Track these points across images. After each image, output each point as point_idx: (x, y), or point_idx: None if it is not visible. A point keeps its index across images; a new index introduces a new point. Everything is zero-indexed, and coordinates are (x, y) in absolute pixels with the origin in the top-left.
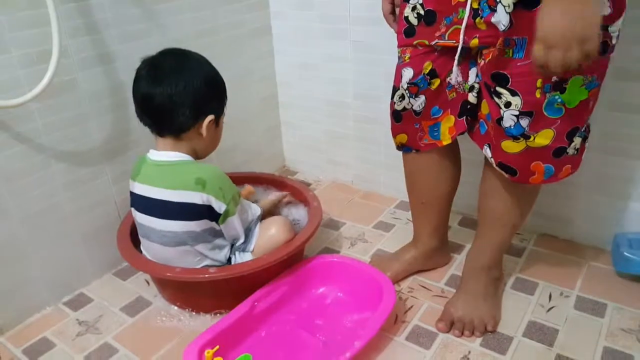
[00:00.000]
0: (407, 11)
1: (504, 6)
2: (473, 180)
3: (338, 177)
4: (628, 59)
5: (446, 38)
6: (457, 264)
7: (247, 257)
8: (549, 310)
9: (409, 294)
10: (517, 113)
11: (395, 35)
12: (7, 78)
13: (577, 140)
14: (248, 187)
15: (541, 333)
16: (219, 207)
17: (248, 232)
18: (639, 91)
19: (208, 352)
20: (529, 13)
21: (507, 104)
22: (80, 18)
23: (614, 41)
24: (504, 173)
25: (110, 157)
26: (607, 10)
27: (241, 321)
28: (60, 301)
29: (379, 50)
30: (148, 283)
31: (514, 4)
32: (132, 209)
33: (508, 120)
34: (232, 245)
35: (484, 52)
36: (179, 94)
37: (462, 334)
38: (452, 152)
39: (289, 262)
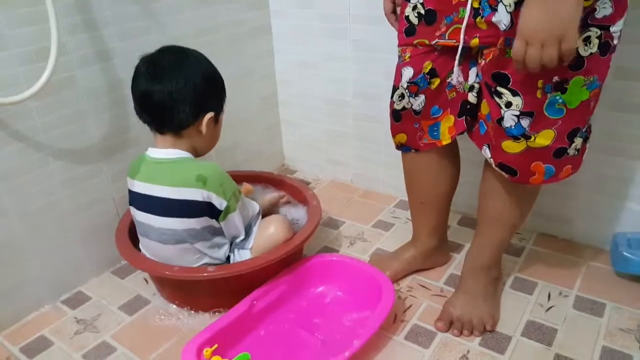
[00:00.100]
0: (408, 10)
1: (505, 5)
2: (473, 180)
3: (337, 176)
4: (628, 59)
5: (446, 37)
6: (456, 264)
7: (246, 255)
8: (547, 309)
9: (408, 293)
10: (517, 113)
11: (396, 34)
12: (5, 75)
13: (578, 141)
14: (246, 186)
15: (540, 333)
16: (220, 203)
17: (248, 229)
18: (639, 91)
19: (206, 351)
20: None
21: (508, 104)
22: (79, 15)
23: (615, 41)
24: (503, 173)
25: (109, 154)
26: (609, 11)
27: (240, 320)
28: (58, 299)
29: (379, 49)
30: (147, 281)
31: (515, 3)
32: (131, 208)
33: (509, 121)
34: (231, 244)
35: (485, 51)
36: (179, 91)
37: (461, 333)
38: (452, 151)
39: (288, 261)
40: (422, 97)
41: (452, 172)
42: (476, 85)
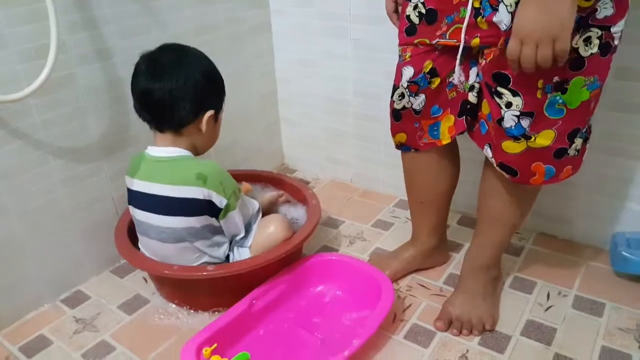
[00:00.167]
0: (409, 10)
1: (506, 5)
2: (472, 179)
3: (337, 175)
4: (629, 59)
5: (447, 37)
6: (455, 263)
7: (245, 254)
8: (547, 309)
9: (408, 292)
10: (518, 113)
11: (397, 33)
12: (5, 73)
13: (578, 141)
14: (246, 185)
15: (539, 332)
16: (220, 201)
17: (248, 227)
18: (639, 91)
19: (206, 350)
20: None
21: (508, 104)
22: (79, 13)
23: (616, 42)
24: (504, 173)
25: (109, 153)
26: (610, 11)
27: (239, 319)
28: (57, 298)
29: (379, 49)
30: (146, 281)
31: (516, 3)
32: (130, 207)
33: (509, 121)
34: (231, 242)
35: (485, 51)
36: (179, 88)
37: (460, 332)
38: (452, 151)
39: (288, 260)
40: (422, 97)
41: (451, 172)
42: (476, 85)
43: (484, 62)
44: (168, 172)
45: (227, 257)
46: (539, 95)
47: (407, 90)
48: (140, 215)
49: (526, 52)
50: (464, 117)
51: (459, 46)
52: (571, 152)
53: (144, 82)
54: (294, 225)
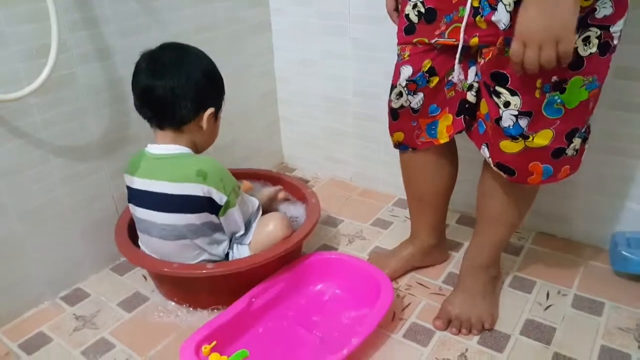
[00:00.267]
0: (408, 9)
1: (505, 5)
2: (471, 179)
3: (337, 174)
4: (629, 59)
5: (446, 36)
6: (454, 262)
7: (244, 252)
8: (546, 308)
9: (407, 291)
10: (516, 113)
11: (396, 32)
12: (6, 72)
13: (577, 141)
14: (246, 183)
15: (538, 331)
16: (220, 198)
17: (247, 224)
18: (638, 91)
19: (205, 348)
20: None
21: (506, 104)
22: (79, 12)
23: (615, 41)
24: (502, 173)
25: (109, 151)
26: (609, 10)
27: (238, 317)
28: (57, 296)
29: (378, 48)
30: (145, 278)
31: (515, 2)
32: (131, 205)
33: (507, 120)
34: (230, 240)
35: (484, 51)
36: (181, 86)
37: (460, 332)
38: (449, 150)
39: (287, 258)
40: (420, 95)
41: (449, 171)
42: (475, 85)
43: (482, 61)
44: (168, 169)
45: (227, 255)
46: (537, 94)
47: (405, 88)
48: (140, 213)
49: (529, 54)
50: (463, 116)
51: (457, 45)
52: (569, 152)
53: (146, 79)
54: (294, 224)
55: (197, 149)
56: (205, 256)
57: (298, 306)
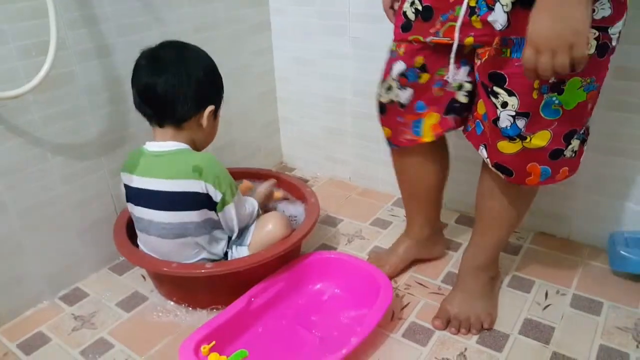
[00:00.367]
0: (406, 6)
1: (502, 5)
2: (470, 179)
3: (336, 174)
4: (628, 59)
5: (441, 35)
6: (453, 262)
7: (243, 252)
8: (545, 308)
9: (406, 290)
10: (513, 113)
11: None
12: (5, 69)
13: (575, 143)
14: (246, 183)
15: (537, 331)
16: (215, 195)
17: (245, 229)
18: (638, 91)
19: (204, 348)
20: (527, 12)
21: (504, 104)
22: (79, 10)
23: (614, 43)
24: (500, 174)
25: (108, 150)
26: (607, 12)
27: (238, 317)
28: (56, 296)
29: (378, 47)
30: (144, 278)
31: (513, 3)
32: (129, 204)
33: (504, 121)
34: (229, 239)
35: (479, 51)
36: (182, 83)
37: (459, 331)
38: (438, 148)
39: (286, 258)
40: (410, 91)
41: (437, 169)
42: (466, 84)
43: (479, 62)
44: (166, 166)
45: (226, 254)
46: (535, 95)
47: (396, 82)
48: (140, 212)
49: (543, 60)
50: (452, 115)
51: (452, 44)
52: (568, 153)
53: (147, 77)
54: (293, 223)
55: (197, 147)
56: (204, 255)
57: (297, 306)
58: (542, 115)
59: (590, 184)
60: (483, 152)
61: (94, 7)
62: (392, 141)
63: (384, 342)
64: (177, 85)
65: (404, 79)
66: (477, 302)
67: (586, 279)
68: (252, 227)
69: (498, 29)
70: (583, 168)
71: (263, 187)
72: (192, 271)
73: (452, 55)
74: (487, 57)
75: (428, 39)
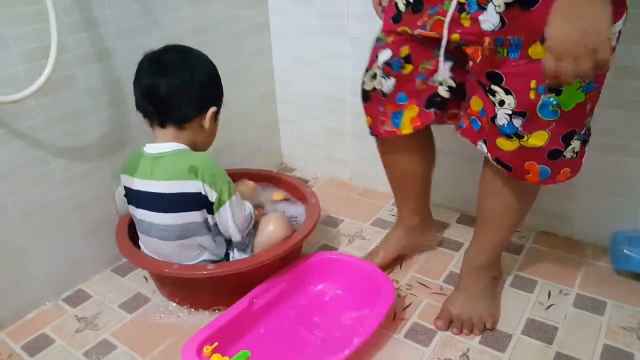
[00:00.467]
0: None
1: (495, 6)
2: (471, 177)
3: (336, 174)
4: (629, 58)
5: (427, 29)
6: (455, 262)
7: (245, 253)
8: (548, 308)
9: (408, 291)
10: (510, 112)
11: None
12: (6, 74)
13: (576, 144)
14: (249, 183)
15: (540, 331)
16: (211, 194)
17: (246, 237)
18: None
19: (207, 349)
20: (525, 13)
21: (501, 102)
22: (79, 14)
23: (613, 42)
24: (501, 168)
25: (109, 152)
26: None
27: (240, 318)
28: (59, 297)
29: None
30: (146, 279)
31: (508, 4)
32: (130, 206)
33: (501, 119)
34: (231, 242)
35: (469, 51)
36: (185, 84)
37: (461, 332)
38: (423, 140)
39: (288, 258)
40: (392, 81)
41: (422, 162)
42: (448, 80)
43: (472, 63)
44: (164, 167)
45: (227, 255)
46: (532, 95)
47: (381, 70)
48: (141, 214)
49: (565, 67)
50: (433, 109)
51: (438, 38)
52: (568, 154)
53: (151, 77)
54: (294, 224)
55: (196, 149)
56: (205, 256)
57: (299, 306)
58: (540, 115)
59: (592, 182)
60: (483, 147)
61: (93, 11)
62: (372, 130)
63: (386, 342)
64: (180, 85)
65: (388, 68)
66: (480, 303)
67: (589, 278)
68: (253, 237)
69: (490, 29)
70: (585, 167)
71: (245, 186)
72: (193, 272)
73: (442, 53)
74: (481, 57)
75: (416, 32)
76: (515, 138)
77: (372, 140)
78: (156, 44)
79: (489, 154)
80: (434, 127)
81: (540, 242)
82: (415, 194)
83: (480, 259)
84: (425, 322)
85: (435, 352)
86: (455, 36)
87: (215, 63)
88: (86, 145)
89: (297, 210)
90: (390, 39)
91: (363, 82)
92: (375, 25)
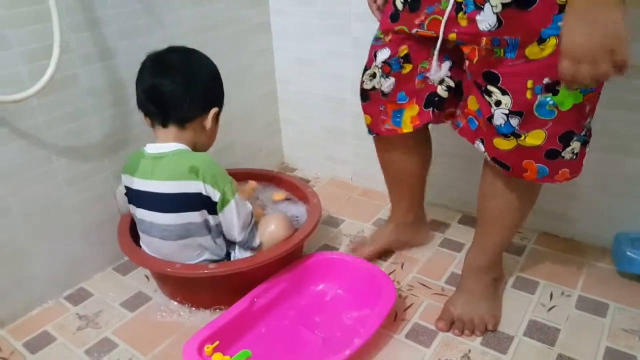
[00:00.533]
0: None
1: (492, 6)
2: (472, 178)
3: (337, 174)
4: (631, 57)
5: (425, 27)
6: (457, 263)
7: (246, 252)
8: (550, 309)
9: (409, 291)
10: (507, 112)
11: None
12: (8, 73)
13: (576, 145)
14: (251, 183)
15: (542, 332)
16: (214, 194)
17: (249, 234)
18: None
19: (208, 348)
20: (522, 13)
21: (498, 103)
22: (82, 13)
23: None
24: (498, 167)
25: (111, 152)
26: None
27: (241, 317)
28: (61, 295)
29: None
30: (148, 278)
31: (504, 4)
32: (131, 206)
33: (498, 119)
34: (232, 242)
35: (466, 51)
36: (188, 83)
37: (462, 333)
38: (420, 138)
39: (289, 258)
40: (392, 80)
41: (419, 160)
42: (447, 80)
43: (468, 62)
44: (164, 167)
45: (229, 254)
46: (528, 95)
47: (380, 70)
48: (142, 214)
49: (584, 70)
50: (431, 109)
51: (435, 38)
52: (567, 155)
53: (154, 77)
54: (295, 224)
55: (197, 149)
56: (206, 256)
57: (300, 306)
58: (536, 115)
59: (594, 183)
60: (480, 147)
61: (96, 10)
62: (372, 129)
63: (387, 343)
64: (183, 85)
65: (387, 67)
66: (481, 304)
67: (591, 280)
68: (257, 231)
69: (486, 29)
70: (587, 167)
71: (249, 187)
72: (195, 272)
73: (436, 52)
74: (477, 57)
75: (413, 31)
76: (512, 137)
77: (372, 140)
78: (158, 43)
79: (486, 153)
80: (433, 128)
81: (542, 243)
82: (411, 192)
83: (481, 259)
84: (427, 323)
85: (436, 353)
86: (452, 35)
87: (216, 63)
88: (88, 145)
89: (298, 210)
90: (388, 37)
91: (362, 81)
92: (376, 25)
